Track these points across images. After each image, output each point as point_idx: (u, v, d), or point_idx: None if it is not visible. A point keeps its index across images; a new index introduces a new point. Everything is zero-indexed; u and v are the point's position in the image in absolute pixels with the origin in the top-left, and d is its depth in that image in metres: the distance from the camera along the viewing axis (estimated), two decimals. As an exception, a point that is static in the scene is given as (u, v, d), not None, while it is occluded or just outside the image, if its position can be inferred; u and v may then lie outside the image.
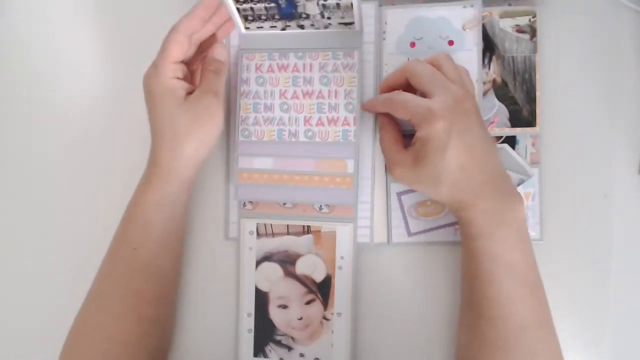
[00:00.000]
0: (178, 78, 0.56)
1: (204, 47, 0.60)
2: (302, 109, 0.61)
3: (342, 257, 0.62)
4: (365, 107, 0.60)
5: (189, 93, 0.57)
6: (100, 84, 0.68)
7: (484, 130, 0.54)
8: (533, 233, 0.62)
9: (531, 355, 0.52)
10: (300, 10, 0.57)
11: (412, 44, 0.62)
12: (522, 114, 0.62)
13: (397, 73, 0.57)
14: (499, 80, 0.62)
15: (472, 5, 0.61)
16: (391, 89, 0.57)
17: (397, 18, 0.62)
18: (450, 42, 0.61)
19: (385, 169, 0.63)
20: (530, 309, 0.53)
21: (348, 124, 0.60)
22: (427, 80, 0.53)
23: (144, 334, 0.58)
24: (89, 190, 0.67)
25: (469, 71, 0.58)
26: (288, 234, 0.63)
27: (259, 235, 0.63)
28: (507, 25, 0.62)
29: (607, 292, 0.63)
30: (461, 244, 0.57)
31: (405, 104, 0.53)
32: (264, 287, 0.63)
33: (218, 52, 0.59)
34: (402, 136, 0.58)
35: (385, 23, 0.62)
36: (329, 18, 0.58)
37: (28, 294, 0.68)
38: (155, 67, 0.56)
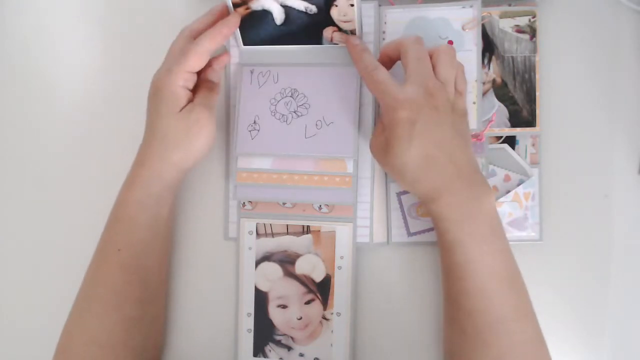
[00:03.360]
0: (186, 87, 0.57)
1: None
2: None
3: (341, 257, 0.62)
4: (350, 51, 0.59)
5: (192, 103, 0.58)
6: (100, 82, 0.69)
7: (457, 126, 0.54)
8: (533, 233, 0.62)
9: (510, 347, 0.52)
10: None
11: (412, 44, 0.62)
12: (522, 114, 0.62)
13: (394, 45, 0.57)
14: (498, 80, 0.62)
15: (471, 6, 0.61)
16: (388, 57, 0.58)
17: (397, 18, 0.62)
18: (450, 42, 0.61)
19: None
20: (507, 302, 0.52)
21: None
22: (411, 65, 0.54)
23: (129, 335, 0.58)
24: (88, 188, 0.67)
25: (468, 71, 0.59)
26: (287, 233, 0.63)
27: (258, 235, 0.63)
28: (507, 25, 0.62)
29: (606, 292, 0.63)
30: (436, 239, 0.57)
31: (379, 86, 0.54)
32: (263, 287, 0.63)
33: (213, 75, 0.62)
34: None
35: (385, 23, 0.62)
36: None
37: (26, 293, 0.68)
38: (169, 71, 0.56)
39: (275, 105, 0.62)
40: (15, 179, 0.69)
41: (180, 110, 0.57)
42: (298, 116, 0.61)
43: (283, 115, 0.61)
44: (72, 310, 0.58)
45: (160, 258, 0.62)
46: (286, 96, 0.62)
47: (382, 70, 0.55)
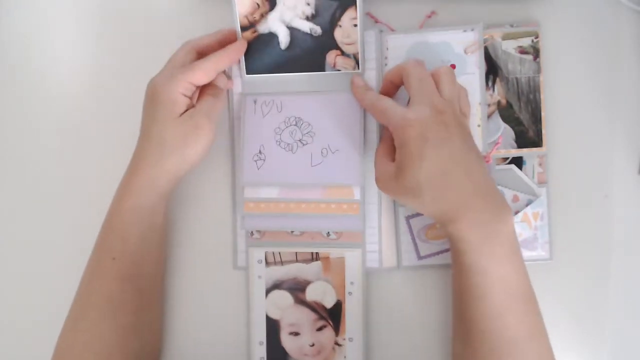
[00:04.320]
0: (185, 95, 0.57)
1: None
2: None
3: (351, 283, 0.62)
4: (354, 92, 0.60)
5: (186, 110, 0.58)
6: (99, 83, 0.69)
7: (469, 142, 0.54)
8: (543, 253, 0.62)
9: None
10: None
11: (414, 69, 0.62)
12: (528, 134, 0.62)
13: (395, 70, 0.57)
14: (503, 101, 0.62)
15: (472, 29, 0.61)
16: (390, 83, 0.58)
17: (399, 43, 0.62)
18: (452, 66, 0.61)
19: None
20: (522, 321, 0.52)
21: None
22: (414, 86, 0.54)
23: (125, 342, 0.58)
24: (88, 187, 0.67)
25: (471, 93, 0.59)
26: (297, 261, 0.63)
27: (267, 263, 0.63)
28: (509, 47, 0.62)
29: (607, 292, 0.62)
30: (451, 258, 0.57)
31: (385, 112, 0.55)
32: (274, 315, 0.63)
33: (219, 80, 0.61)
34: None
35: (387, 49, 0.62)
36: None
37: (23, 294, 0.68)
38: (170, 77, 0.56)
39: (280, 134, 0.62)
40: (13, 179, 0.69)
41: (180, 116, 0.57)
42: (303, 145, 0.61)
43: (288, 144, 0.62)
44: (68, 318, 0.58)
45: (155, 266, 0.62)
46: (290, 125, 0.62)
47: (386, 98, 0.56)
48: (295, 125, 0.62)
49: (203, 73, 0.57)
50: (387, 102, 0.55)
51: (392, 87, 0.59)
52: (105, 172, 0.62)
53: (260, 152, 0.62)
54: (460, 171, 0.52)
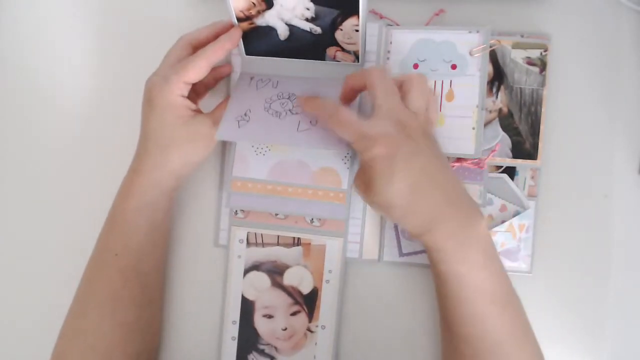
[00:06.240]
0: (183, 96, 0.57)
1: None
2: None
3: (330, 271, 0.62)
4: (304, 105, 0.58)
5: (193, 111, 0.58)
6: (98, 82, 0.69)
7: (436, 151, 0.53)
8: (524, 265, 0.62)
9: None
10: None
11: (415, 66, 0.61)
12: (525, 146, 0.61)
13: (359, 77, 0.55)
14: (505, 110, 0.62)
15: (477, 31, 0.60)
16: (351, 89, 0.56)
17: (403, 39, 0.61)
18: (454, 66, 0.60)
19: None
20: (504, 325, 0.52)
21: None
22: (379, 98, 0.52)
23: (125, 340, 0.58)
24: (87, 187, 0.68)
25: (470, 96, 0.59)
26: (278, 244, 0.63)
27: (248, 244, 0.63)
28: (518, 56, 0.61)
29: (607, 292, 0.62)
30: (430, 266, 0.56)
31: (346, 127, 0.52)
32: (250, 296, 0.63)
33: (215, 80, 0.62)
34: None
35: (391, 43, 0.62)
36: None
37: (23, 293, 0.69)
38: (165, 79, 0.56)
39: (270, 103, 0.60)
40: (13, 178, 0.69)
41: (190, 120, 0.57)
42: (292, 114, 0.59)
43: (277, 112, 0.60)
44: (68, 316, 0.58)
45: (157, 263, 0.62)
46: (283, 98, 0.61)
47: (344, 109, 0.53)
48: (288, 98, 0.60)
49: (196, 71, 0.56)
50: (346, 114, 0.53)
51: (353, 93, 0.57)
52: (105, 172, 0.62)
53: (245, 114, 0.60)
54: (430, 184, 0.51)
